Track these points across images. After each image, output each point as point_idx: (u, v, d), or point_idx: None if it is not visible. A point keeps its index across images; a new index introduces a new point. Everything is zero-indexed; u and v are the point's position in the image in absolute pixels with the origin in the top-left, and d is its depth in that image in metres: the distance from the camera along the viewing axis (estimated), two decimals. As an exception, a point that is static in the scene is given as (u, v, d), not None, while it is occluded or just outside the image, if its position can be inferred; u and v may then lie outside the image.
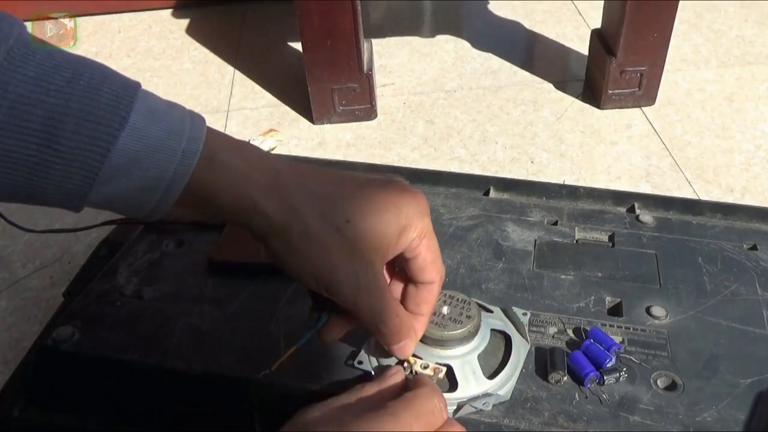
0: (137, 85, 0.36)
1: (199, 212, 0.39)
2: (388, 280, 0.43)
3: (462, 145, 0.99)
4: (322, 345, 0.43)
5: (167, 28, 1.38)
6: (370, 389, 0.40)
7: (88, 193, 0.34)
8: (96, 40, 1.33)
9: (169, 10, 1.44)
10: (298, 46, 1.17)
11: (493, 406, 0.44)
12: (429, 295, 0.43)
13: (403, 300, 0.43)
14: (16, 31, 0.33)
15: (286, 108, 1.10)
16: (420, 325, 0.43)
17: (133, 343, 0.50)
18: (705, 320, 0.51)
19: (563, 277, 0.55)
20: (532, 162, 0.95)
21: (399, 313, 0.41)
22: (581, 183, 0.90)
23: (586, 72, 1.13)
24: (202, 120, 0.37)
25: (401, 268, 0.43)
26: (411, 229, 0.39)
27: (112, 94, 0.34)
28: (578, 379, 0.46)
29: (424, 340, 0.46)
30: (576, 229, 0.61)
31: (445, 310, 0.47)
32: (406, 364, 0.45)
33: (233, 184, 0.37)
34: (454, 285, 0.54)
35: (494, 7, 1.39)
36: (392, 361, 0.47)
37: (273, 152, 0.97)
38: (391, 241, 0.39)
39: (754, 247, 0.58)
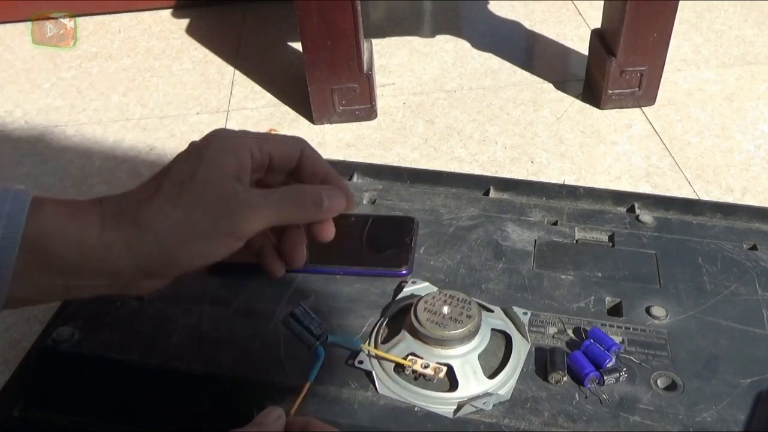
0: None
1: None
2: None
3: (462, 145, 0.99)
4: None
5: (167, 28, 1.38)
6: None
7: None
8: (96, 40, 1.33)
9: (169, 10, 1.44)
10: (298, 46, 1.17)
11: (493, 405, 0.44)
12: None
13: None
14: None
15: (286, 108, 1.10)
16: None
17: (133, 343, 0.50)
18: (705, 320, 0.51)
19: (563, 277, 0.55)
20: (532, 162, 0.95)
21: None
22: (581, 183, 0.90)
23: (586, 72, 1.13)
24: (27, 192, 0.36)
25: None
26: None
27: None
28: (578, 379, 0.46)
29: (425, 339, 0.46)
30: (576, 229, 0.61)
31: (445, 309, 0.47)
32: (406, 364, 0.45)
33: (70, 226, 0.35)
34: (454, 285, 0.54)
35: (494, 7, 1.39)
36: (390, 366, 0.47)
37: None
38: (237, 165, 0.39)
39: (754, 247, 0.58)
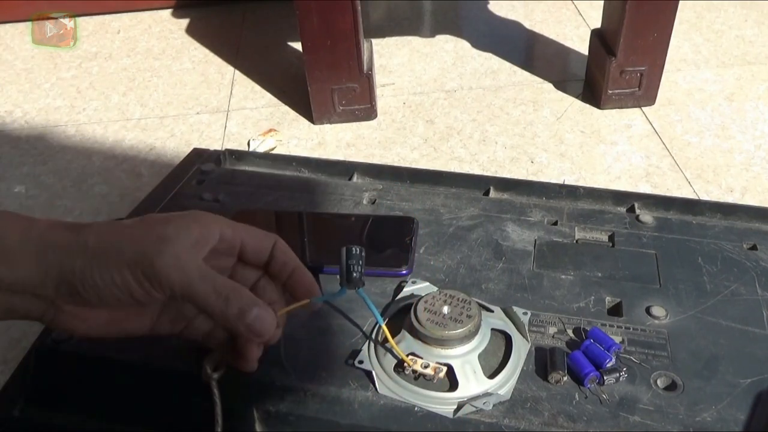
0: None
1: None
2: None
3: (462, 145, 0.99)
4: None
5: (167, 28, 1.38)
6: None
7: None
8: (96, 40, 1.33)
9: (169, 10, 1.44)
10: (298, 46, 1.17)
11: (493, 405, 0.44)
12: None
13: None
14: None
15: (286, 108, 1.10)
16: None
17: (133, 343, 0.50)
18: (705, 320, 0.51)
19: (563, 277, 0.55)
20: (532, 162, 0.95)
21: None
22: (581, 183, 0.90)
23: (586, 72, 1.13)
24: None
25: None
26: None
27: None
28: (578, 379, 0.46)
29: (425, 339, 0.47)
30: (576, 229, 0.61)
31: (445, 309, 0.47)
32: (407, 361, 0.46)
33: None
34: (454, 285, 0.54)
35: (494, 7, 1.39)
36: (392, 361, 0.47)
37: (273, 152, 0.97)
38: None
39: (754, 247, 0.58)
